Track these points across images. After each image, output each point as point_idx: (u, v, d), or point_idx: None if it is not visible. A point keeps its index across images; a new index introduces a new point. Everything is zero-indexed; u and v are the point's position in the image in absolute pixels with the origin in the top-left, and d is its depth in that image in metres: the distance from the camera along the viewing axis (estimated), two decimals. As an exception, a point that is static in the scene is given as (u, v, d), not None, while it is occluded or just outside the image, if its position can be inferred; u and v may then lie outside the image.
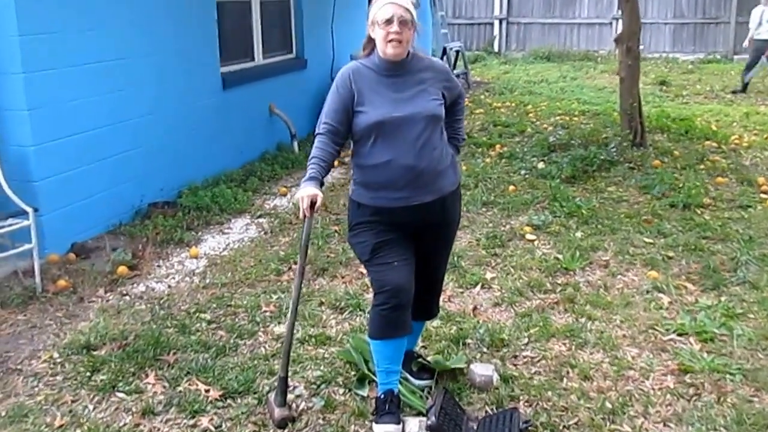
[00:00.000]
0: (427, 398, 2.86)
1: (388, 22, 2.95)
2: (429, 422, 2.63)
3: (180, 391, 3.42)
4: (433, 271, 3.29)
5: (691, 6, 17.65)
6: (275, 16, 8.26)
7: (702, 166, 7.51)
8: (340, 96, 3.05)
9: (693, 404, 3.29)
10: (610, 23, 18.04)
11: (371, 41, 3.10)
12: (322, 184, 3.02)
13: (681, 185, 6.69)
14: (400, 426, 3.06)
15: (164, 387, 3.46)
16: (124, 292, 4.63)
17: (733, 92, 12.59)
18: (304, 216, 2.99)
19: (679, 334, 3.98)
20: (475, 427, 2.83)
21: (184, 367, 3.62)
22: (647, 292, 4.57)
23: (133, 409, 3.30)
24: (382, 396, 3.15)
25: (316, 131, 3.11)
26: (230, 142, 7.22)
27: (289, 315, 3.15)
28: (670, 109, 10.76)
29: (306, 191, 2.96)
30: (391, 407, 3.11)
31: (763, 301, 4.36)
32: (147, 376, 3.56)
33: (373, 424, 3.13)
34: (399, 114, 2.99)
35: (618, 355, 3.78)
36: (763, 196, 6.52)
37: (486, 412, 3.23)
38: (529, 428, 2.72)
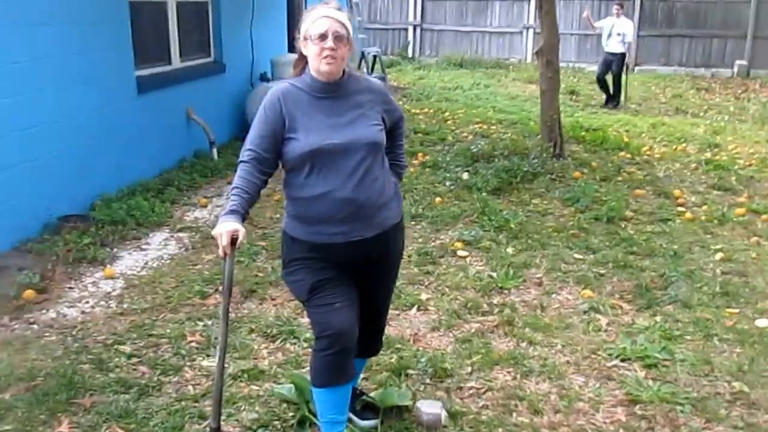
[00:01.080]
0: None
1: (323, 37, 2.68)
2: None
3: (99, 443, 3.09)
4: (376, 308, 3.06)
5: (593, 18, 18.05)
6: (192, 17, 7.85)
7: (620, 178, 7.61)
8: (267, 120, 2.74)
9: (647, 440, 3.21)
10: (521, 32, 18.29)
11: (303, 58, 2.80)
12: (244, 218, 2.68)
13: (603, 198, 6.73)
14: None
15: (80, 437, 3.12)
16: (32, 319, 4.21)
17: (612, 107, 12.48)
18: (225, 254, 2.67)
19: (623, 360, 3.91)
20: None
21: (102, 411, 3.27)
22: (584, 312, 4.51)
23: (46, 465, 2.95)
24: None
25: (240, 158, 2.78)
26: (146, 149, 6.79)
27: (217, 361, 2.82)
28: (582, 119, 10.93)
29: (225, 226, 2.62)
30: None
31: (697, 321, 4.35)
32: (60, 424, 3.19)
33: None
34: (335, 141, 2.71)
35: (564, 384, 3.67)
36: (680, 209, 6.63)
37: None
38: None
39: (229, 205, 2.69)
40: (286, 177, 2.86)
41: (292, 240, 2.87)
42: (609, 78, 12.61)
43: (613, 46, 12.37)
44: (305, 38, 2.75)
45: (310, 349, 3.85)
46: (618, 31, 12.28)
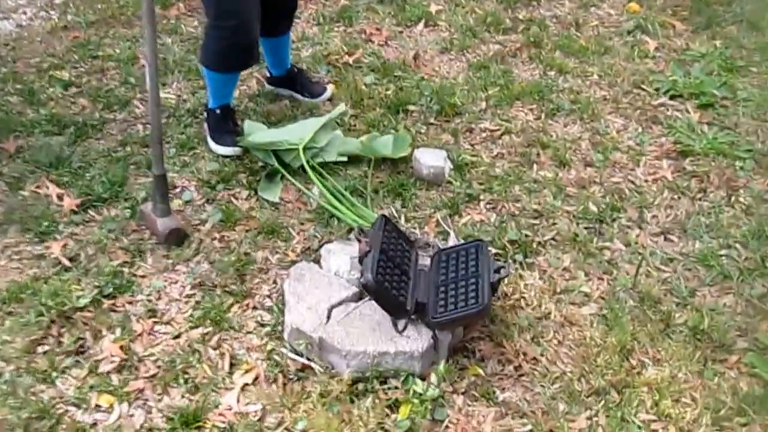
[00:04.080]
0: (360, 235, 2.05)
1: None
2: (364, 280, 1.85)
3: (23, 199, 2.49)
4: None
5: None
6: None
7: None
8: None
9: (698, 206, 2.59)
10: None
11: None
12: None
13: None
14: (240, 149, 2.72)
15: (2, 192, 2.53)
16: (-47, 33, 3.47)
17: None
18: None
19: (672, 97, 3.19)
20: (427, 271, 2.06)
21: (29, 159, 2.65)
22: (629, 32, 3.69)
23: (-45, 229, 2.40)
24: (219, 111, 2.73)
25: None
26: None
27: (148, 81, 2.18)
28: None
29: None
30: (232, 126, 2.77)
31: (765, 48, 3.54)
32: (-22, 174, 2.61)
33: (212, 143, 2.75)
34: None
35: (599, 128, 3.00)
36: None
37: (434, 239, 2.43)
38: (504, 276, 1.98)
39: None
40: None
41: None
42: None
43: None
44: None
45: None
46: None
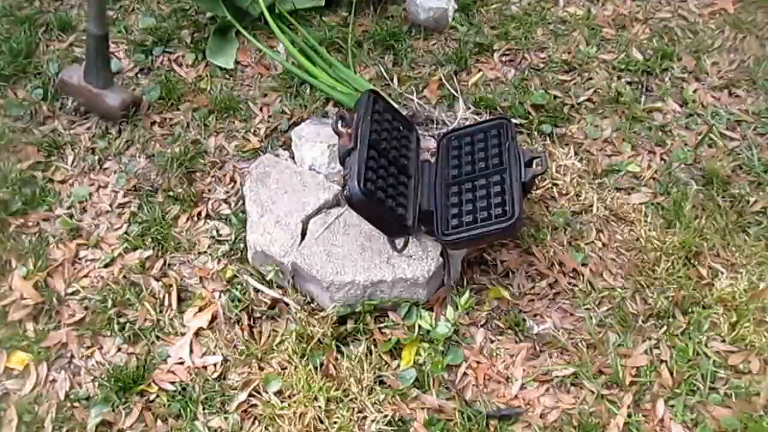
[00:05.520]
0: (340, 124, 1.47)
1: None
2: (347, 191, 1.32)
3: None
4: None
5: None
6: None
7: None
8: None
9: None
10: None
11: None
12: None
13: None
14: None
15: None
16: None
17: None
18: None
19: None
20: (432, 162, 1.53)
21: None
22: None
23: None
24: None
25: None
26: None
27: None
28: None
29: None
30: None
31: None
32: None
33: None
34: None
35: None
36: None
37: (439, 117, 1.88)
38: (540, 172, 1.45)
39: None
40: None
41: None
42: None
43: None
44: None
45: None
46: None
